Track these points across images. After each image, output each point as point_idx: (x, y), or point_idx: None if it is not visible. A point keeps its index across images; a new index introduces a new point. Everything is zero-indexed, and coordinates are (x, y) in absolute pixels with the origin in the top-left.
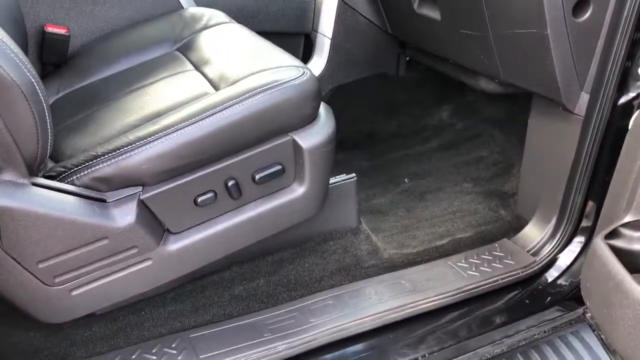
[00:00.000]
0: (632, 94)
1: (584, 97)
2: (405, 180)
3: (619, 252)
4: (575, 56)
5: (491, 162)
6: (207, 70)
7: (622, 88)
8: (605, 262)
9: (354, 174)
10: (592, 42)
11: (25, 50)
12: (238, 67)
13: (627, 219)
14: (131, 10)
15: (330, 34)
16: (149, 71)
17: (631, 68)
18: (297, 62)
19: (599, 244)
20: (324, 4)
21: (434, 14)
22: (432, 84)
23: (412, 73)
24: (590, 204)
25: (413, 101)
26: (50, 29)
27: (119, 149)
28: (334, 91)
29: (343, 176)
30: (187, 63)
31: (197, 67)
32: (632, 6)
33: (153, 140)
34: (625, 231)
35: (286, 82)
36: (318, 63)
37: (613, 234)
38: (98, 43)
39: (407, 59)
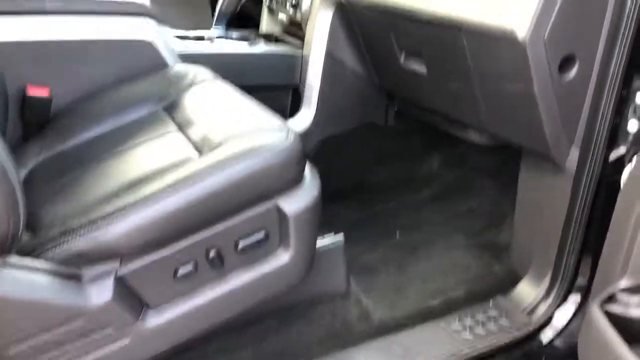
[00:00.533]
0: (622, 150)
1: (574, 153)
2: (397, 234)
3: (616, 320)
4: (564, 112)
5: (483, 213)
6: (191, 131)
7: (612, 144)
8: (602, 332)
9: (341, 235)
10: (580, 99)
11: (5, 111)
12: (221, 129)
13: (623, 283)
14: (116, 69)
15: (317, 86)
16: (133, 133)
17: (620, 124)
18: (281, 124)
19: (595, 311)
20: (311, 57)
21: (420, 68)
22: (421, 133)
23: (400, 123)
24: (585, 260)
25: (402, 151)
26: (32, 91)
27: (96, 221)
28: (322, 143)
29: (330, 238)
30: (171, 124)
31: (180, 128)
32: (618, 63)
33: (132, 212)
34: (622, 297)
35: (270, 146)
36: (306, 115)
37: (609, 299)
38: (82, 103)
39: (396, 109)
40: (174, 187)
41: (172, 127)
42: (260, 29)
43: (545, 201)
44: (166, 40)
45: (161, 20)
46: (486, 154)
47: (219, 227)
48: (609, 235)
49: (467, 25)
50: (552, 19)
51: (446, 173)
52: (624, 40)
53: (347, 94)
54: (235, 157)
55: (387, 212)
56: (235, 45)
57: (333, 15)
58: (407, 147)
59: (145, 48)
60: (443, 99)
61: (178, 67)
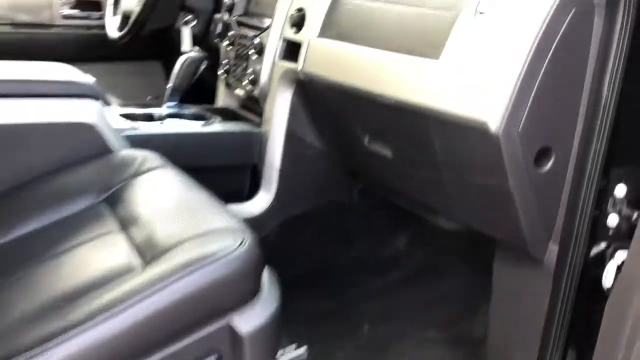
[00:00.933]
0: (603, 245)
1: (553, 248)
2: (365, 328)
3: None
4: (541, 207)
5: (455, 299)
6: (134, 231)
7: (592, 238)
8: None
9: (304, 349)
10: (557, 192)
11: None
12: (169, 230)
13: None
14: (53, 156)
15: (278, 165)
16: (68, 232)
17: (600, 217)
18: (235, 224)
19: None
20: (270, 135)
21: (385, 151)
22: (388, 210)
23: (365, 199)
24: None
25: (367, 230)
26: None
27: (13, 357)
28: (283, 225)
29: (292, 352)
30: (113, 221)
31: (123, 227)
32: (596, 154)
33: (58, 343)
34: None
35: (222, 255)
36: (266, 196)
37: None
38: (13, 194)
39: (360, 186)
40: (111, 309)
41: (113, 225)
42: (216, 103)
43: (523, 297)
44: (111, 121)
45: (106, 100)
46: (456, 234)
47: (163, 353)
48: (598, 347)
49: (435, 113)
50: (526, 110)
51: (414, 253)
52: (601, 130)
53: (309, 173)
54: (182, 269)
55: (353, 301)
56: (188, 125)
57: (293, 93)
58: (372, 226)
59: (87, 131)
60: (410, 183)
61: (124, 153)
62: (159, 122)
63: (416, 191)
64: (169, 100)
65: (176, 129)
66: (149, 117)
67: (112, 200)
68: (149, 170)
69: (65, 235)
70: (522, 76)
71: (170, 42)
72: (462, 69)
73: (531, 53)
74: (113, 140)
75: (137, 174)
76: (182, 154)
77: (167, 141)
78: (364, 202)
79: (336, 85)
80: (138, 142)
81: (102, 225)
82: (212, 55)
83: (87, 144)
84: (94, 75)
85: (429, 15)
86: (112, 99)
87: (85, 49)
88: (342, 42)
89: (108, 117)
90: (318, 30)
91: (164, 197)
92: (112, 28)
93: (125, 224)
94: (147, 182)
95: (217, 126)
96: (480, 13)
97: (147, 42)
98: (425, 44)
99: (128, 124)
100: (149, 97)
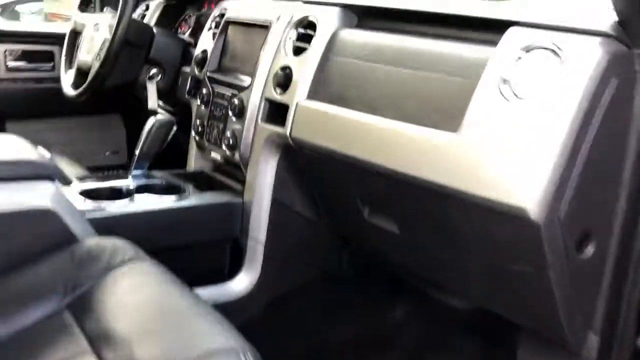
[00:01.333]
0: None
1: (593, 339)
2: None
3: None
4: (580, 294)
5: None
6: (108, 354)
7: (638, 327)
8: None
9: None
10: (598, 278)
11: None
12: (151, 354)
13: None
14: (4, 250)
15: (263, 238)
16: (28, 351)
17: None
18: (233, 341)
19: None
20: (254, 205)
21: (390, 226)
22: (383, 276)
23: (359, 267)
24: None
25: (362, 300)
26: None
27: None
28: (269, 303)
29: None
30: (80, 336)
31: (93, 345)
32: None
33: None
34: None
35: None
36: (250, 274)
37: None
38: None
39: (352, 251)
40: None
41: (81, 342)
42: (188, 166)
43: None
44: (73, 203)
45: (65, 177)
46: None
47: None
48: None
49: (460, 194)
50: (568, 193)
51: (414, 325)
52: None
53: (297, 245)
54: None
55: None
56: (160, 201)
57: (279, 159)
58: (366, 295)
59: (44, 218)
60: (420, 260)
61: (89, 243)
62: (127, 198)
63: (427, 270)
64: (135, 168)
65: (147, 206)
66: (116, 193)
67: (79, 306)
68: (120, 264)
69: (25, 357)
70: (564, 157)
71: (131, 93)
72: (488, 145)
73: (573, 131)
74: (76, 226)
75: (107, 269)
76: (155, 234)
77: (138, 221)
78: (355, 269)
79: (332, 154)
80: (105, 225)
81: (68, 342)
82: (180, 111)
83: (45, 234)
84: (46, 132)
85: (440, 80)
86: (72, 171)
87: (36, 103)
88: (338, 107)
89: (68, 199)
90: (307, 92)
91: (140, 303)
92: (67, 84)
93: (97, 342)
94: (120, 283)
95: (192, 199)
96: (505, 81)
97: (106, 95)
98: (438, 113)
99: (92, 204)
100: (107, 152)
